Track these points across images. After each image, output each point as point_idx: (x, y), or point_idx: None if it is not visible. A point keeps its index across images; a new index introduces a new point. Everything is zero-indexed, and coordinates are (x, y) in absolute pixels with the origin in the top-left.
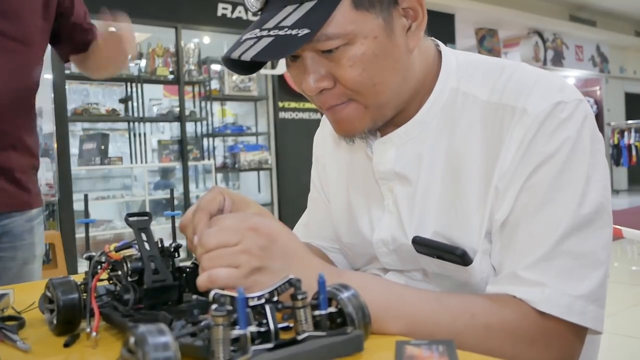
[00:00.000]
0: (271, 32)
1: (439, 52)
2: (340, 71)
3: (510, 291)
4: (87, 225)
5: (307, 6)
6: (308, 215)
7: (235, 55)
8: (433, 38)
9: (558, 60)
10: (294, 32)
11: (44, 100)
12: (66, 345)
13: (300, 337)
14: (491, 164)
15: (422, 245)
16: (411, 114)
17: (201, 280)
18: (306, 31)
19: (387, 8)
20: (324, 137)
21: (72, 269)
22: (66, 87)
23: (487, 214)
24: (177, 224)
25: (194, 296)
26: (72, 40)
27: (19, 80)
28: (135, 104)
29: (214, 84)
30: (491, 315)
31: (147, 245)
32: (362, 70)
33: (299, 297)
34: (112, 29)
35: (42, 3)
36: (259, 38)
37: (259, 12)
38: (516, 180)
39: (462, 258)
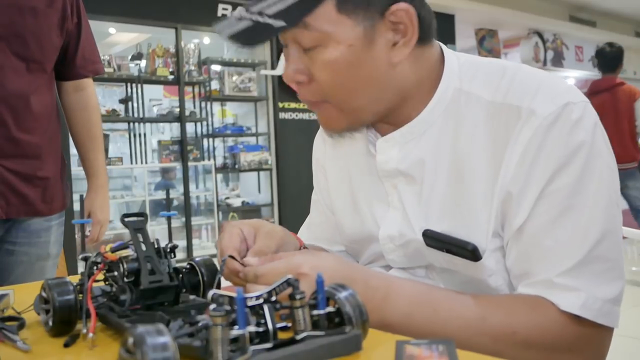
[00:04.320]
0: (252, 17)
1: (442, 54)
2: (316, 71)
3: (546, 295)
4: (82, 226)
5: None
6: (310, 217)
7: (218, 29)
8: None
9: (558, 60)
10: (271, 21)
11: None
12: (66, 345)
13: (298, 337)
14: (496, 164)
15: (433, 239)
16: (413, 114)
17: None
18: (282, 24)
19: (371, 19)
20: (324, 140)
21: (73, 269)
22: None
23: (493, 213)
24: (173, 224)
25: (191, 296)
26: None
27: (42, 97)
28: (135, 105)
29: (214, 85)
30: (531, 330)
31: (143, 246)
32: (335, 75)
33: (297, 297)
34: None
35: (57, 22)
36: (241, 19)
37: None
38: (533, 185)
39: (473, 253)
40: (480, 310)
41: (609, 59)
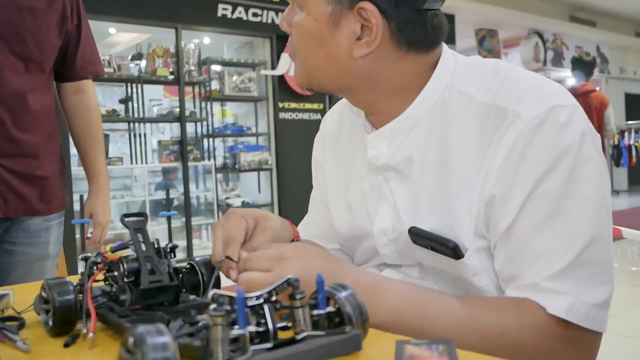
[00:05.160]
0: None
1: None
2: (292, 25)
3: (534, 298)
4: (82, 226)
5: None
6: (308, 215)
7: None
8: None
9: (558, 60)
10: None
11: None
12: (66, 345)
13: (298, 337)
14: (480, 164)
15: (417, 236)
16: (400, 109)
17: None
18: None
19: (340, 4)
20: (323, 139)
21: (73, 269)
22: None
23: (474, 213)
24: (173, 224)
25: (192, 296)
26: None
27: (41, 96)
28: (135, 105)
29: (214, 85)
30: (520, 333)
31: (143, 246)
32: (300, 38)
33: (297, 296)
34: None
35: (57, 22)
36: None
37: None
38: (518, 188)
39: (453, 251)
40: (469, 311)
41: (591, 66)
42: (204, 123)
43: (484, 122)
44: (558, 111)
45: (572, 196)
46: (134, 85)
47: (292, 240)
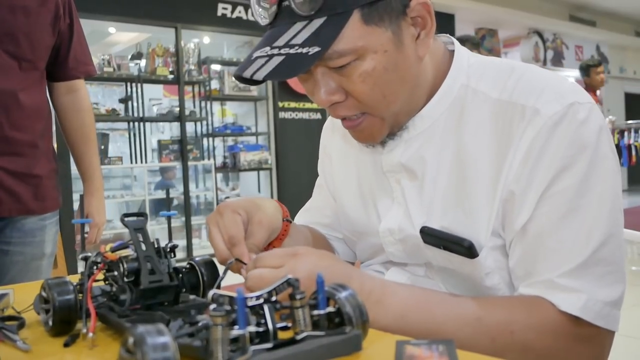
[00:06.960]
0: (282, 51)
1: (449, 50)
2: (352, 86)
3: (546, 295)
4: (82, 226)
5: (316, 23)
6: (311, 201)
7: (247, 74)
8: (448, 35)
9: (558, 60)
10: (304, 50)
11: None
12: (66, 345)
13: (298, 337)
14: (499, 162)
15: (430, 236)
16: (419, 109)
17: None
18: (317, 49)
19: (396, 20)
20: (333, 128)
21: (72, 269)
22: None
23: (494, 211)
24: (173, 224)
25: (191, 296)
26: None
27: (34, 95)
28: (135, 104)
29: (214, 84)
30: (529, 332)
31: (143, 246)
32: (373, 85)
33: (297, 297)
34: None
35: (50, 21)
36: (270, 57)
37: (269, 26)
38: (535, 185)
39: (469, 250)
40: (477, 311)
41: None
42: (204, 122)
43: (500, 119)
44: (577, 108)
45: (589, 194)
46: (133, 84)
47: (283, 220)
